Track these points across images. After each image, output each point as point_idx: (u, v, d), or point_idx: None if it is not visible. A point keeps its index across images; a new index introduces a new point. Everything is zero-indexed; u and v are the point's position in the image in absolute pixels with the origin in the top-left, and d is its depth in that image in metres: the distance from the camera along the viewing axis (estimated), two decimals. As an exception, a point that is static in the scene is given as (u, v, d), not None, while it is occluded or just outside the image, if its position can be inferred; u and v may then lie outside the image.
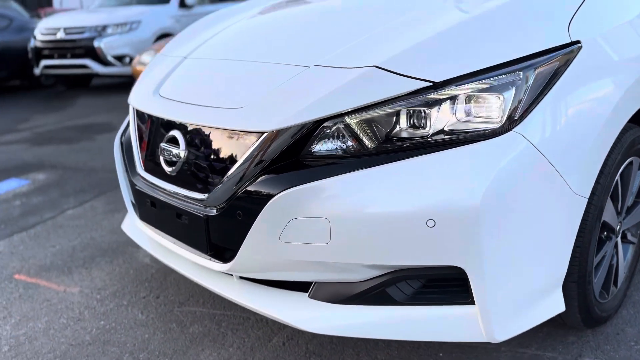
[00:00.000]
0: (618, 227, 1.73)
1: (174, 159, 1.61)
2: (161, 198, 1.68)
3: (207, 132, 1.55)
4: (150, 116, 1.78)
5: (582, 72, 1.40)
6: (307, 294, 1.48)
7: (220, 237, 1.52)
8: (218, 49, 1.94)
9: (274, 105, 1.44)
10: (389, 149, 1.33)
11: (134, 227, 2.06)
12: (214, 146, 1.52)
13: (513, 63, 1.32)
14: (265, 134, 1.40)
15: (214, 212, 1.49)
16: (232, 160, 1.47)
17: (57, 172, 3.95)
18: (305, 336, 1.85)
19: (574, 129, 1.37)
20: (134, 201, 1.92)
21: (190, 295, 2.17)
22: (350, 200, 1.30)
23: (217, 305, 2.08)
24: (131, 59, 7.40)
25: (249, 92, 1.54)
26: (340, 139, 1.37)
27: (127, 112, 2.09)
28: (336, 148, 1.37)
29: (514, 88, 1.29)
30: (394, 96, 1.32)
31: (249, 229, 1.41)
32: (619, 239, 1.77)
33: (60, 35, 7.44)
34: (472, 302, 1.34)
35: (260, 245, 1.41)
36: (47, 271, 2.45)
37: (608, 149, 1.47)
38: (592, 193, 1.44)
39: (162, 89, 1.83)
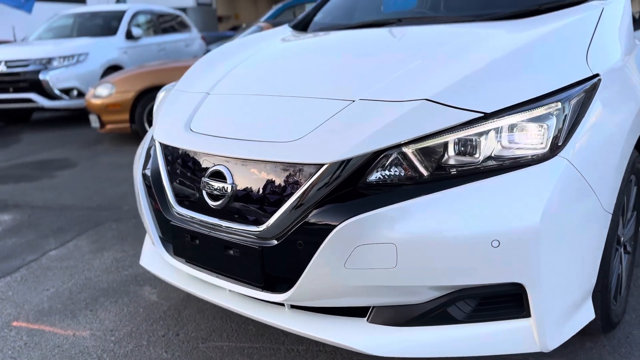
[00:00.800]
0: (622, 239, 1.91)
1: (219, 193, 1.63)
2: (204, 232, 1.68)
3: (258, 166, 1.58)
4: (185, 152, 1.79)
5: (602, 101, 1.56)
6: (366, 318, 1.53)
7: (277, 267, 1.55)
8: (244, 84, 1.98)
9: (330, 138, 1.50)
10: (444, 175, 1.43)
11: (158, 263, 2.03)
12: (267, 179, 1.56)
13: (550, 95, 1.46)
14: (325, 166, 1.46)
15: (271, 243, 1.52)
16: (288, 191, 1.51)
17: (25, 212, 3.76)
18: (341, 362, 1.89)
19: (601, 152, 1.53)
20: (163, 237, 1.90)
21: (211, 330, 2.15)
22: (417, 226, 1.38)
23: (242, 338, 2.07)
24: (79, 92, 7.19)
25: (298, 126, 1.59)
26: (397, 167, 1.45)
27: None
28: (392, 176, 1.44)
29: (555, 117, 1.43)
30: (448, 127, 1.42)
31: (311, 257, 1.46)
32: (622, 250, 1.95)
33: (2, 68, 7.11)
34: (527, 315, 1.44)
35: (324, 273, 1.45)
36: (48, 316, 2.34)
37: (624, 168, 1.64)
38: (615, 209, 1.60)
39: (193, 124, 1.85)
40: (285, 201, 1.51)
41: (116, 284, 2.59)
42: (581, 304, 1.57)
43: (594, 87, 1.54)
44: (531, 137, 1.42)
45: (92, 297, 2.48)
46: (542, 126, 1.42)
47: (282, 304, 1.63)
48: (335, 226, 1.42)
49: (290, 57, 2.19)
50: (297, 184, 1.50)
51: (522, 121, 1.42)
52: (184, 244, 1.77)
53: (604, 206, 1.53)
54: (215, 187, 1.63)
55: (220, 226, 1.65)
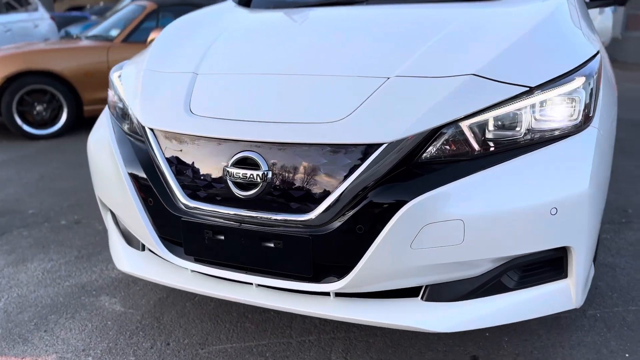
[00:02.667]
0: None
1: (250, 182, 1.48)
2: (232, 226, 1.52)
3: (299, 149, 1.46)
4: (194, 138, 1.59)
5: (603, 74, 1.72)
6: (420, 297, 1.52)
7: (329, 256, 1.45)
8: (239, 63, 1.81)
9: (380, 116, 1.44)
10: (494, 150, 1.45)
11: (150, 265, 1.80)
12: (312, 163, 1.45)
13: (575, 70, 1.55)
14: (384, 145, 1.39)
15: (324, 230, 1.43)
16: (340, 175, 1.42)
17: None
18: (358, 349, 1.85)
19: (608, 118, 1.68)
20: (164, 236, 1.68)
21: (205, 333, 1.97)
22: (483, 200, 1.39)
23: (244, 337, 1.93)
24: None
25: (336, 105, 1.50)
26: (451, 144, 1.44)
27: None
28: (447, 153, 1.44)
29: (584, 91, 1.53)
30: (499, 101, 1.45)
31: (373, 241, 1.40)
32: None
33: None
34: (565, 276, 1.54)
35: (387, 256, 1.40)
36: (-10, 345, 1.95)
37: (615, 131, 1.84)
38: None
39: (193, 108, 1.65)
40: (339, 185, 1.42)
41: (62, 298, 2.24)
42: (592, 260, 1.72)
43: (600, 62, 1.68)
44: (569, 110, 1.50)
45: (39, 316, 2.11)
46: (574, 99, 1.51)
47: (327, 293, 1.54)
48: (400, 207, 1.37)
49: (279, 34, 2.04)
50: (350, 166, 1.42)
51: (559, 95, 1.50)
52: (202, 241, 1.58)
53: (611, 166, 1.69)
54: (245, 176, 1.48)
55: (255, 217, 1.50)
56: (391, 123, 1.42)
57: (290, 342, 1.90)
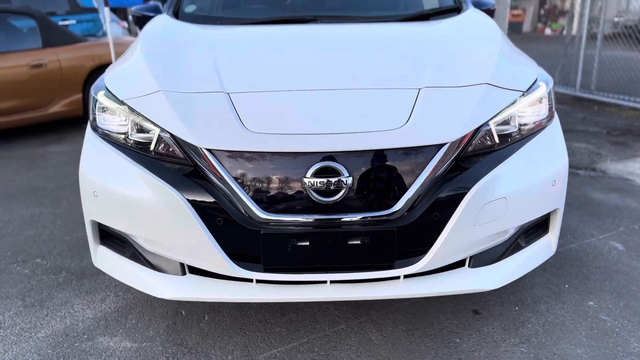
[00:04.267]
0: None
1: (333, 188, 1.64)
2: (318, 231, 1.66)
3: (374, 155, 1.66)
4: (263, 154, 1.66)
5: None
6: (467, 266, 1.86)
7: (410, 243, 1.70)
8: (263, 80, 1.90)
9: (435, 121, 1.73)
10: (509, 142, 1.86)
11: (201, 286, 1.80)
12: (387, 165, 1.67)
13: (537, 79, 2.05)
14: (447, 144, 1.69)
15: (406, 222, 1.66)
16: (414, 172, 1.67)
17: None
18: (387, 325, 2.12)
19: None
20: (234, 254, 1.71)
21: (242, 346, 2.01)
22: (514, 180, 1.79)
23: (283, 340, 2.03)
24: None
25: (390, 114, 1.74)
26: (483, 139, 1.80)
27: None
28: (481, 146, 1.80)
29: (548, 93, 2.03)
30: (509, 103, 1.86)
31: (445, 225, 1.69)
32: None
33: None
34: (547, 232, 2.04)
35: (457, 235, 1.70)
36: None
37: None
38: None
39: (249, 126, 1.71)
40: (414, 181, 1.67)
41: (51, 350, 2.01)
42: None
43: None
44: (542, 107, 1.98)
45: (41, 373, 1.88)
46: (544, 99, 2.00)
47: (397, 277, 1.78)
48: (465, 193, 1.69)
49: (277, 49, 2.14)
50: (422, 164, 1.68)
51: (539, 98, 1.98)
52: (285, 250, 1.67)
53: None
54: (330, 183, 1.63)
55: (339, 220, 1.66)
56: (447, 126, 1.73)
57: (327, 334, 2.07)
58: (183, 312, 2.22)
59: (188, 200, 1.69)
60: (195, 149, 1.70)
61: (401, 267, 1.73)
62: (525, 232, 1.99)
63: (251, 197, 1.67)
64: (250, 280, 1.78)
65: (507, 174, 1.78)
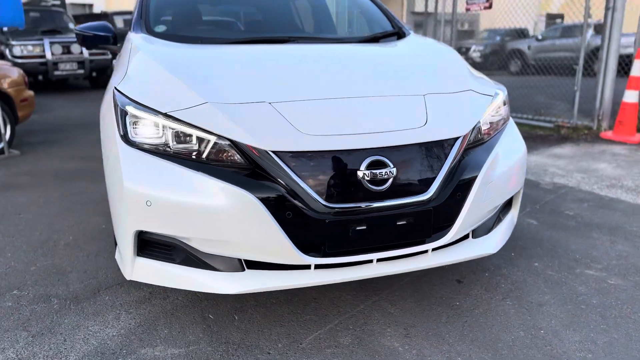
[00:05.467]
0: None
1: (382, 178, 1.94)
2: (373, 216, 1.94)
3: (408, 148, 2.00)
4: (321, 153, 1.90)
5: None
6: (471, 238, 2.28)
7: (441, 219, 2.06)
8: (295, 91, 2.13)
9: (448, 119, 2.13)
10: (492, 134, 2.32)
11: (261, 278, 1.97)
12: (420, 156, 2.02)
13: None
14: (461, 138, 2.10)
15: (438, 202, 2.03)
16: (440, 161, 2.05)
17: None
18: (399, 299, 2.45)
19: None
20: (302, 243, 1.91)
21: (285, 334, 2.18)
22: (502, 164, 2.24)
23: (319, 325, 2.25)
24: None
25: (410, 115, 2.10)
26: (477, 133, 2.24)
27: None
28: (475, 139, 2.24)
29: (505, 98, 2.56)
30: (489, 104, 2.34)
31: (464, 202, 2.09)
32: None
33: None
34: (511, 207, 2.56)
35: (473, 210, 2.11)
36: None
37: None
38: None
39: (303, 130, 1.94)
40: (441, 168, 2.05)
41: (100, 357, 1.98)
42: None
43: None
44: (504, 108, 2.50)
45: None
46: (505, 102, 2.52)
47: (425, 251, 2.12)
48: (477, 176, 2.11)
49: (287, 64, 2.37)
50: (446, 154, 2.06)
51: (502, 100, 2.49)
52: (346, 236, 1.92)
53: None
54: (381, 174, 1.94)
55: (389, 205, 1.96)
56: (457, 123, 2.14)
57: (353, 314, 2.34)
58: (211, 316, 2.30)
59: (259, 198, 1.86)
60: (261, 152, 1.88)
61: (434, 241, 2.09)
62: (502, 208, 2.48)
63: (315, 191, 1.89)
64: (308, 267, 1.99)
65: (496, 160, 2.24)
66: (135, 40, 2.61)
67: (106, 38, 3.05)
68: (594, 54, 14.44)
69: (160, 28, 2.86)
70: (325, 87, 2.20)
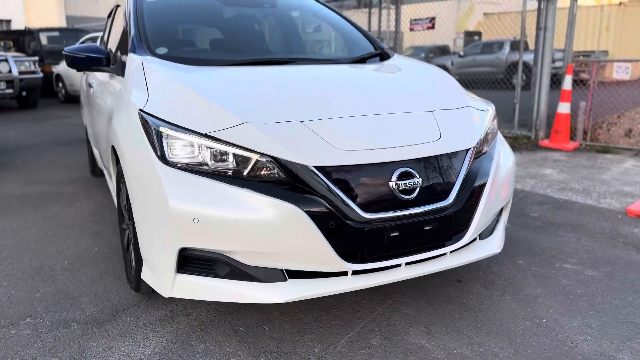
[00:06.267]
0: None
1: (410, 188, 2.13)
2: (404, 222, 2.11)
3: (430, 160, 2.20)
4: (358, 166, 2.06)
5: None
6: (478, 239, 2.50)
7: (460, 223, 2.27)
8: (324, 110, 2.26)
9: (458, 133, 2.35)
10: (489, 146, 2.57)
11: (303, 286, 2.08)
12: (439, 166, 2.22)
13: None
14: (471, 148, 2.33)
15: (457, 207, 2.23)
16: (456, 169, 2.26)
17: None
18: (412, 301, 2.64)
19: None
20: (342, 251, 2.04)
21: (318, 340, 2.29)
22: (502, 172, 2.50)
23: (348, 328, 2.38)
24: None
25: (424, 130, 2.30)
26: (481, 144, 2.47)
27: None
28: (480, 150, 2.47)
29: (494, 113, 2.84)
30: (486, 118, 2.60)
31: (478, 205, 2.32)
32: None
33: None
34: (501, 213, 2.83)
35: (485, 212, 2.34)
36: None
37: None
38: None
39: (337, 146, 2.09)
40: (458, 177, 2.26)
41: None
42: None
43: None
44: (495, 122, 2.75)
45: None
46: (495, 117, 2.79)
47: (444, 254, 2.32)
48: (486, 183, 2.35)
49: (314, 85, 2.52)
50: (460, 164, 2.27)
51: (493, 115, 2.75)
52: (382, 242, 2.08)
53: None
54: (411, 184, 2.12)
55: (417, 212, 2.14)
56: (466, 135, 2.37)
57: (374, 317, 2.49)
58: (241, 329, 2.38)
59: (304, 210, 1.98)
60: (303, 167, 2.01)
61: (453, 244, 2.29)
62: (498, 213, 2.74)
63: (354, 202, 2.04)
64: (345, 274, 2.13)
65: (496, 168, 2.50)
66: (145, 62, 2.64)
67: (99, 60, 3.05)
68: (512, 69, 15.52)
69: (162, 50, 2.91)
70: (345, 106, 2.36)
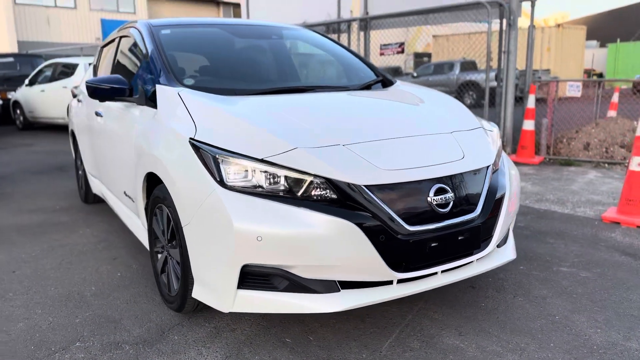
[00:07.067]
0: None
1: (445, 202, 2.37)
2: (441, 234, 2.34)
3: (459, 176, 2.45)
4: (401, 184, 2.28)
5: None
6: (496, 248, 2.77)
7: (485, 232, 2.53)
8: (361, 134, 2.48)
9: (477, 152, 2.62)
10: (500, 161, 2.87)
11: (355, 296, 2.27)
12: (467, 181, 2.48)
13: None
14: (490, 165, 2.61)
15: (484, 218, 2.50)
16: (480, 185, 2.52)
17: None
18: (438, 308, 2.87)
19: None
20: (391, 262, 2.25)
21: (362, 347, 2.48)
22: (512, 185, 2.80)
23: (385, 335, 2.58)
24: None
25: (449, 150, 2.55)
26: (496, 159, 2.76)
27: None
28: (495, 165, 2.75)
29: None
30: (496, 137, 2.89)
31: (499, 216, 2.59)
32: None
33: None
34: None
35: (503, 223, 2.62)
36: None
37: None
38: None
39: (380, 166, 2.31)
40: (482, 191, 2.52)
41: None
42: None
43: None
44: (500, 140, 3.06)
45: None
46: (499, 135, 3.10)
47: (472, 261, 2.57)
48: (504, 195, 2.63)
49: (342, 111, 2.73)
50: (483, 179, 2.54)
51: (499, 133, 3.05)
52: (424, 252, 2.30)
53: None
54: (446, 198, 2.36)
55: (451, 224, 2.38)
56: (485, 154, 2.65)
57: (408, 323, 2.70)
58: (288, 340, 2.53)
59: (358, 225, 2.18)
60: (355, 186, 2.22)
61: (480, 252, 2.54)
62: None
63: (400, 216, 2.27)
64: (390, 282, 2.34)
65: (510, 181, 2.79)
66: (182, 93, 2.78)
67: (123, 90, 3.15)
68: (463, 88, 16.26)
69: (189, 81, 3.06)
70: (376, 130, 2.58)
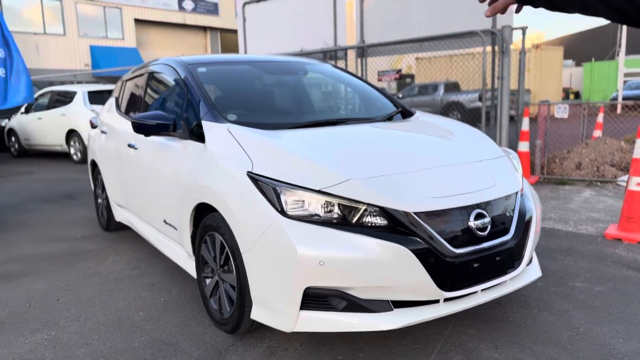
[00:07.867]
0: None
1: (484, 226, 2.62)
2: (482, 255, 2.58)
3: (494, 201, 2.71)
4: (445, 210, 2.52)
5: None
6: (524, 266, 3.02)
7: (518, 252, 2.77)
8: (402, 165, 2.72)
9: (506, 179, 2.88)
10: (522, 186, 3.15)
11: (408, 314, 2.48)
12: (500, 206, 2.73)
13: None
14: (518, 191, 2.87)
15: (517, 239, 2.75)
16: (512, 207, 2.78)
17: None
18: (470, 323, 3.09)
19: None
20: (441, 281, 2.47)
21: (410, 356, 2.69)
22: (536, 208, 3.06)
23: (429, 349, 2.79)
24: None
25: (481, 178, 2.81)
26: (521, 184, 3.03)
27: None
28: (520, 189, 3.02)
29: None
30: (518, 165, 3.16)
31: (528, 237, 2.85)
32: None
33: None
34: (529, 241, 3.39)
35: (533, 242, 2.87)
36: None
37: None
38: None
39: (426, 194, 2.55)
40: (514, 214, 2.78)
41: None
42: None
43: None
44: (520, 165, 3.34)
45: None
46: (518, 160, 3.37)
47: (506, 280, 2.80)
48: (531, 218, 2.89)
49: (378, 143, 2.97)
50: (513, 204, 2.80)
51: (518, 158, 3.32)
52: (467, 273, 2.53)
53: None
54: (483, 223, 2.61)
55: (490, 246, 2.63)
56: (512, 180, 2.91)
57: (446, 338, 2.92)
58: (340, 357, 2.73)
59: (410, 249, 2.41)
60: (405, 214, 2.45)
61: (513, 271, 2.78)
62: (531, 242, 3.28)
63: (446, 240, 2.50)
64: (437, 301, 2.56)
65: (535, 204, 3.05)
66: (230, 128, 3.01)
67: (167, 126, 3.36)
68: (447, 108, 16.69)
69: (232, 117, 3.28)
70: (413, 160, 2.83)
